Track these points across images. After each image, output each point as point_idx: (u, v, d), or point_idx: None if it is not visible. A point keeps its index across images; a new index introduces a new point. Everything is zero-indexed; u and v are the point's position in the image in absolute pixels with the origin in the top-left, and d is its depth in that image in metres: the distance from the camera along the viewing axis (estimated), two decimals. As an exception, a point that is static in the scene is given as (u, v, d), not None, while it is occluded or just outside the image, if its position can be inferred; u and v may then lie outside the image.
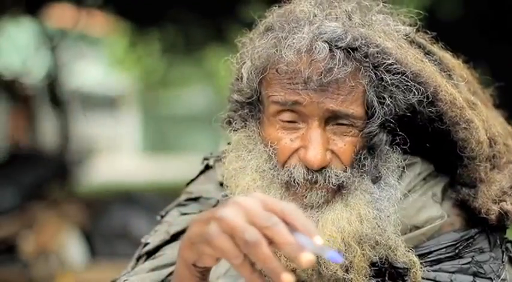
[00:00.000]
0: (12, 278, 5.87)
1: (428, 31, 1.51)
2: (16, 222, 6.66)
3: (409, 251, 1.37)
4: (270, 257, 1.04)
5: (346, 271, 1.35)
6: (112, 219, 6.88)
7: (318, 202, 1.36)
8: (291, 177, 1.36)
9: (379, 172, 1.38)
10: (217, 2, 8.65)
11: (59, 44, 10.59)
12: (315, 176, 1.35)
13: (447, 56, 1.51)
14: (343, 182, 1.36)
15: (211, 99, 18.81)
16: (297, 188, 1.36)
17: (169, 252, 1.48)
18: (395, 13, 1.47)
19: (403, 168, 1.41)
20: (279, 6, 1.47)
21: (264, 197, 1.09)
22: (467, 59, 1.57)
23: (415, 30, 1.48)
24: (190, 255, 1.17)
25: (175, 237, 1.51)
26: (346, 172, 1.36)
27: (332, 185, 1.35)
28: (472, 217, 1.44)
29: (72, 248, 6.35)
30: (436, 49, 1.50)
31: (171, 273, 1.45)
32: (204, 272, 1.21)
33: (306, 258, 1.02)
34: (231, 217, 1.07)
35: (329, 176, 1.35)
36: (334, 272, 1.34)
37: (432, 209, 1.43)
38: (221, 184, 1.53)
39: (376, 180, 1.38)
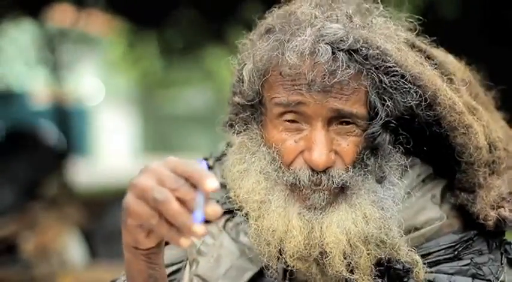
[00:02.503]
0: (12, 278, 5.86)
1: (427, 35, 1.51)
2: (16, 222, 6.65)
3: (411, 250, 1.37)
4: (180, 212, 1.09)
5: (351, 272, 1.36)
6: (112, 219, 6.87)
7: (321, 204, 1.37)
8: (296, 179, 1.37)
9: (383, 172, 1.39)
10: (217, 2, 8.65)
11: (60, 44, 10.58)
12: (319, 176, 1.36)
13: (449, 60, 1.51)
14: (345, 182, 1.36)
15: (211, 100, 18.79)
16: (302, 190, 1.37)
17: (168, 253, 1.48)
18: (394, 17, 1.47)
19: (406, 167, 1.42)
20: (278, 7, 1.47)
21: (174, 161, 1.13)
22: (469, 61, 1.57)
23: (415, 34, 1.48)
24: (127, 238, 1.21)
25: None
26: (348, 172, 1.37)
27: (335, 185, 1.36)
28: (471, 218, 1.44)
29: (72, 248, 6.35)
30: (437, 53, 1.50)
31: (169, 274, 1.46)
32: (150, 255, 1.24)
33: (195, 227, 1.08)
34: (142, 182, 1.13)
35: (332, 175, 1.36)
36: (339, 272, 1.35)
37: (431, 211, 1.43)
38: (221, 184, 1.54)
39: (381, 180, 1.39)
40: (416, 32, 1.49)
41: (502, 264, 1.42)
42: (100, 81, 17.94)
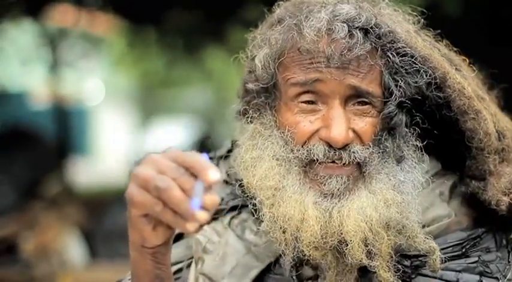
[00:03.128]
0: (12, 278, 5.86)
1: (431, 29, 1.52)
2: (16, 222, 6.65)
3: (427, 238, 1.36)
4: (183, 199, 1.09)
5: (371, 258, 1.34)
6: (112, 219, 6.88)
7: (339, 189, 1.36)
8: (310, 154, 1.36)
9: (402, 152, 1.39)
10: (217, 2, 8.65)
11: (60, 44, 10.58)
12: (338, 153, 1.35)
13: (452, 54, 1.52)
14: (366, 158, 1.36)
15: (211, 100, 18.79)
16: (316, 170, 1.36)
17: (173, 252, 1.47)
18: (399, 10, 1.48)
19: (421, 149, 1.41)
20: (286, 1, 1.48)
21: (174, 152, 1.14)
22: (471, 61, 1.57)
23: (419, 27, 1.49)
24: (134, 235, 1.20)
25: (178, 236, 1.51)
26: (368, 148, 1.36)
27: (357, 160, 1.35)
28: (479, 216, 1.44)
29: (72, 248, 6.34)
30: (442, 46, 1.51)
31: (174, 272, 1.44)
32: (157, 255, 1.23)
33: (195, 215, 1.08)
34: (143, 172, 1.13)
35: (353, 151, 1.35)
36: (359, 260, 1.34)
37: (439, 208, 1.43)
38: (225, 182, 1.54)
39: (400, 159, 1.39)
40: (420, 25, 1.50)
41: (509, 262, 1.42)
42: (100, 81, 17.93)
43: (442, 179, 1.47)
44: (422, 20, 1.49)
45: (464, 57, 1.55)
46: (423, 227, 1.40)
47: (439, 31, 1.52)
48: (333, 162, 1.36)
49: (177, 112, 20.32)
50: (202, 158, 1.12)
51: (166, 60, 11.74)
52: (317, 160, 1.36)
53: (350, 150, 1.35)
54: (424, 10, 1.50)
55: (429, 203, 1.43)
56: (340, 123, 1.35)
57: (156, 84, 16.86)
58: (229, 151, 1.58)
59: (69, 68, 11.41)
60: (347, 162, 1.35)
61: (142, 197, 1.13)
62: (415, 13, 1.49)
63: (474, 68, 1.57)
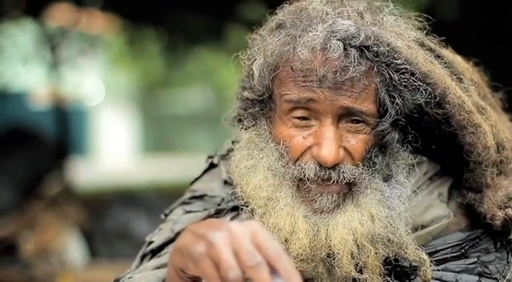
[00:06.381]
0: (12, 278, 5.86)
1: (436, 35, 1.50)
2: (16, 222, 6.65)
3: (418, 249, 1.37)
4: None
5: (360, 271, 1.35)
6: (112, 219, 6.89)
7: (329, 207, 1.36)
8: (301, 172, 1.36)
9: (390, 170, 1.39)
10: (217, 1, 8.65)
11: (59, 44, 10.58)
12: (327, 172, 1.35)
13: (457, 60, 1.51)
14: (355, 178, 1.36)
15: (211, 99, 18.80)
16: (308, 187, 1.37)
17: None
18: (403, 16, 1.47)
19: (413, 166, 1.41)
20: (289, 4, 1.47)
21: (257, 230, 1.05)
22: (477, 62, 1.57)
23: (424, 33, 1.48)
24: (178, 261, 1.15)
25: (179, 235, 1.50)
26: (358, 168, 1.36)
27: (346, 180, 1.35)
28: (477, 217, 1.44)
29: (72, 248, 6.34)
30: (446, 53, 1.50)
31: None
32: (195, 278, 1.20)
33: None
34: (220, 246, 1.05)
35: (343, 171, 1.35)
36: (348, 273, 1.34)
37: (438, 209, 1.43)
38: (226, 182, 1.54)
39: (387, 178, 1.39)
40: (425, 31, 1.48)
41: (508, 262, 1.42)
42: (100, 80, 17.93)
43: (441, 180, 1.48)
44: (427, 25, 1.48)
45: (470, 61, 1.54)
46: (422, 227, 1.41)
47: (443, 37, 1.51)
48: (323, 181, 1.36)
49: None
50: (287, 259, 1.02)
51: (166, 60, 11.74)
52: (308, 179, 1.36)
53: (339, 170, 1.35)
54: (423, 14, 1.49)
55: (428, 204, 1.43)
56: (331, 143, 1.34)
57: (156, 84, 16.86)
58: (230, 151, 1.58)
59: (69, 67, 11.40)
60: (336, 182, 1.36)
61: (206, 267, 1.05)
62: (419, 19, 1.47)
63: (479, 71, 1.56)
